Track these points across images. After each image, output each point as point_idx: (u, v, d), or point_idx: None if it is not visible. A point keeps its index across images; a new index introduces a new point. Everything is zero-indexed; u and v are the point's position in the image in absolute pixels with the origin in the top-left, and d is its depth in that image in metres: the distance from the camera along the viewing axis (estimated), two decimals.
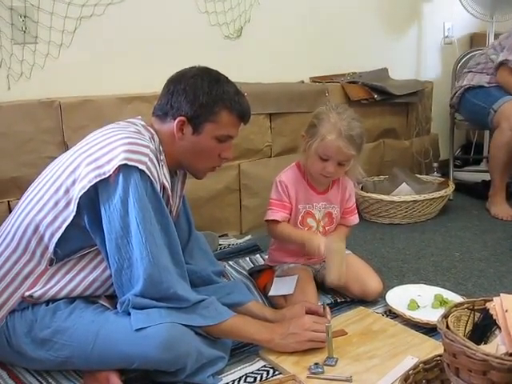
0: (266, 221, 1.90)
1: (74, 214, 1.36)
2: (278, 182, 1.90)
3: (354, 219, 2.02)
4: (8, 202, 2.03)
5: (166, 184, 1.47)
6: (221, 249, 2.42)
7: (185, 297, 1.41)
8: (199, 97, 1.46)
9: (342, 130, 1.75)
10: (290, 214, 1.90)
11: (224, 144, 1.54)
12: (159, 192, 1.41)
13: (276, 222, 1.87)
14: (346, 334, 1.66)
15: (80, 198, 1.34)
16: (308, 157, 1.83)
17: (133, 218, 1.33)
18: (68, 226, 1.37)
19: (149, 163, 1.36)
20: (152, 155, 1.38)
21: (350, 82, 3.00)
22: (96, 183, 1.33)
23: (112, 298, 1.49)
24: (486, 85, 2.91)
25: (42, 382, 1.47)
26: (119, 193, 1.33)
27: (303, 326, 1.53)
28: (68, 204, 1.37)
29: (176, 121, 1.47)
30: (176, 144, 1.50)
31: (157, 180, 1.40)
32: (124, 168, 1.32)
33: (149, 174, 1.35)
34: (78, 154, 1.40)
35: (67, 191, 1.37)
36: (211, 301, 1.48)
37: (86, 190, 1.33)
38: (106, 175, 1.32)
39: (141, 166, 1.34)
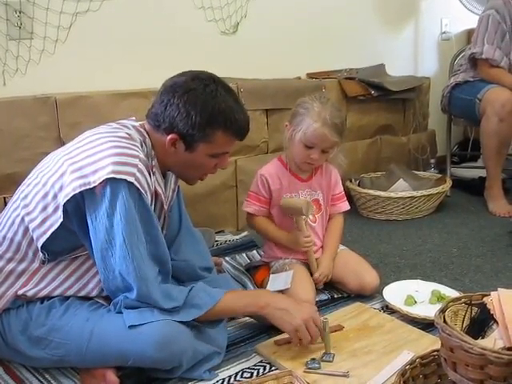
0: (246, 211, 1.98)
1: (61, 220, 1.34)
2: (258, 176, 1.95)
3: (345, 205, 2.06)
4: (4, 198, 2.02)
5: (160, 190, 1.46)
6: (217, 245, 2.42)
7: (172, 306, 1.38)
8: (192, 117, 1.39)
9: (327, 118, 1.81)
10: (269, 208, 1.95)
11: (219, 158, 1.50)
12: (149, 202, 1.38)
13: (252, 214, 1.95)
14: (343, 328, 1.65)
15: (65, 204, 1.33)
16: (293, 145, 1.88)
17: (118, 232, 1.31)
18: (57, 229, 1.35)
19: (137, 174, 1.33)
20: (141, 165, 1.35)
21: (346, 78, 2.98)
22: (80, 192, 1.31)
23: (108, 297, 1.46)
24: (471, 79, 2.93)
25: (39, 377, 1.47)
26: (106, 206, 1.30)
27: (303, 316, 1.48)
28: (56, 209, 1.35)
29: (168, 137, 1.42)
30: (168, 155, 1.46)
31: (147, 190, 1.36)
32: (111, 181, 1.29)
33: (138, 186, 1.32)
34: (65, 159, 1.38)
35: (55, 196, 1.35)
36: (199, 287, 1.46)
37: (69, 197, 1.31)
38: (91, 186, 1.30)
39: (129, 179, 1.30)
